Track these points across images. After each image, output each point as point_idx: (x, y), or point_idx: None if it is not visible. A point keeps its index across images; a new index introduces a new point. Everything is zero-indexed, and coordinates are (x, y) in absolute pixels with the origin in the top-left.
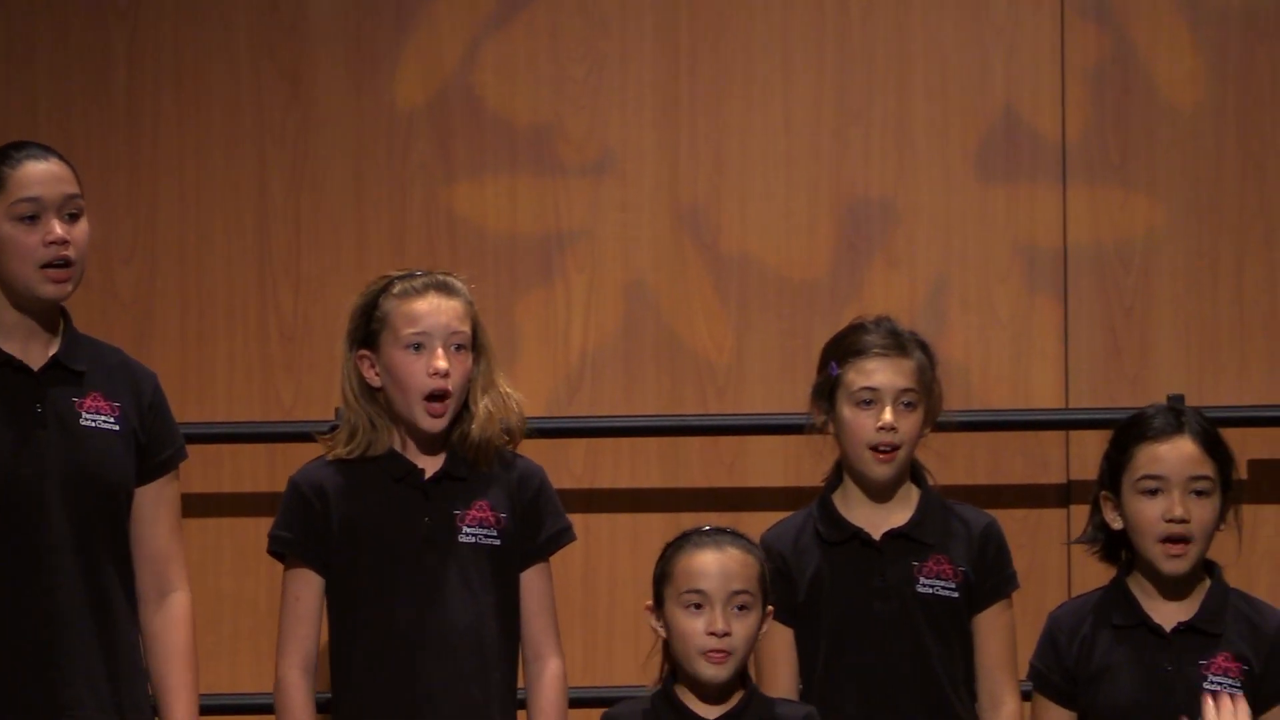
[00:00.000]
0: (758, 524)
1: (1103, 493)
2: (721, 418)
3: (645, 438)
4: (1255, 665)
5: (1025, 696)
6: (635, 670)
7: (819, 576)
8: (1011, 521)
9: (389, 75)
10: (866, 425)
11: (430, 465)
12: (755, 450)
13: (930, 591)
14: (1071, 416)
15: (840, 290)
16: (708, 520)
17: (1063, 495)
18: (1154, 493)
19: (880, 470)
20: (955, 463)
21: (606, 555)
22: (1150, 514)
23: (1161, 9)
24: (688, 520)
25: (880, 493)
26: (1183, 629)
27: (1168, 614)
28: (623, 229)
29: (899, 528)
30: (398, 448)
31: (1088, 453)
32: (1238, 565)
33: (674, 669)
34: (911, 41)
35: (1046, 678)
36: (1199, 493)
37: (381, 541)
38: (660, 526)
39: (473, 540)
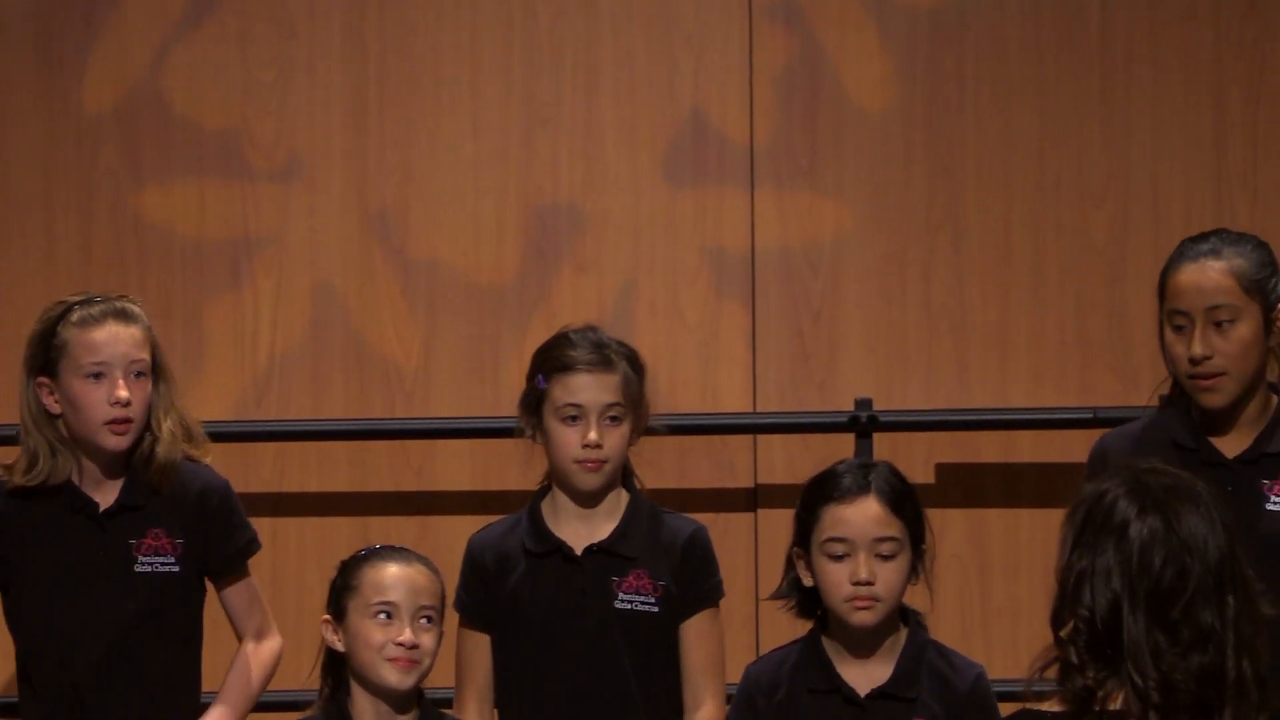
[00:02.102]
0: (446, 528)
1: (795, 550)
2: (409, 422)
3: (333, 442)
4: None
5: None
6: None
7: (519, 587)
8: None
9: (77, 79)
10: (572, 440)
11: (107, 495)
12: (443, 454)
13: (629, 607)
14: (759, 420)
15: (528, 295)
16: (395, 524)
17: (750, 499)
18: (840, 557)
19: (586, 483)
20: (643, 467)
21: (294, 559)
22: (837, 576)
23: (850, 13)
24: (376, 524)
25: (587, 502)
26: (876, 695)
27: (862, 678)
28: (311, 234)
29: (600, 542)
30: (75, 479)
31: (775, 457)
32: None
33: (340, 681)
34: (600, 46)
35: None
36: (884, 556)
37: (55, 573)
38: (349, 530)
39: (149, 569)
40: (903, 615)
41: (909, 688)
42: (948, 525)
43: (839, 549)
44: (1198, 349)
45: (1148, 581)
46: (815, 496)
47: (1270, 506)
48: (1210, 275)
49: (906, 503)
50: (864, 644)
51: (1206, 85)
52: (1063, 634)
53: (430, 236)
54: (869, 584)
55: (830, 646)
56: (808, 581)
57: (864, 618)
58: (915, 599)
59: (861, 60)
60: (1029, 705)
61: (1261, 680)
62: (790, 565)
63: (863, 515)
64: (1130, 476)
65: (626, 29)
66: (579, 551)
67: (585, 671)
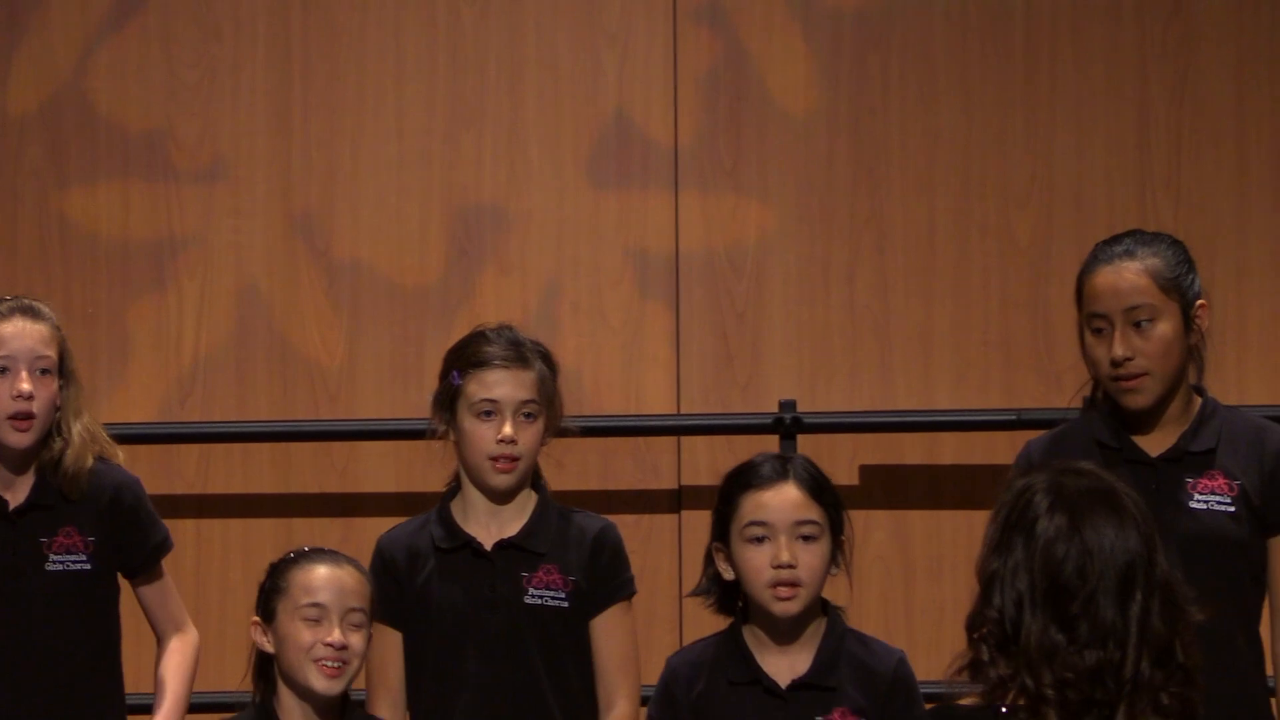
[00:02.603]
0: (370, 529)
1: (715, 544)
2: (333, 423)
3: (257, 443)
4: (872, 714)
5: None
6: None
7: (429, 584)
8: (624, 527)
9: (1, 80)
10: (487, 437)
11: (17, 493)
12: (367, 455)
13: (539, 602)
14: (683, 422)
15: (452, 296)
16: (319, 525)
17: (674, 501)
18: (761, 540)
19: (500, 481)
20: (568, 468)
21: (218, 560)
22: (758, 561)
23: (774, 15)
24: (300, 525)
25: (498, 500)
26: (798, 685)
27: (783, 668)
28: (235, 235)
29: (510, 537)
30: None
31: (699, 458)
32: (852, 569)
33: (269, 683)
34: (524, 46)
35: None
36: (806, 538)
37: None
38: (273, 531)
39: (61, 568)
40: (822, 607)
41: (829, 677)
42: (871, 527)
43: (759, 532)
44: (1119, 350)
45: (1047, 580)
46: (734, 486)
47: (1194, 504)
48: (1126, 276)
49: (825, 491)
50: (785, 633)
51: (1130, 87)
52: (976, 635)
53: (354, 238)
54: (791, 567)
55: (751, 638)
56: (728, 575)
57: (786, 607)
58: (838, 592)
59: (786, 62)
60: (948, 702)
61: (1170, 679)
62: (710, 560)
63: (783, 499)
64: (1050, 476)
65: (551, 30)
66: (489, 547)
67: (496, 667)
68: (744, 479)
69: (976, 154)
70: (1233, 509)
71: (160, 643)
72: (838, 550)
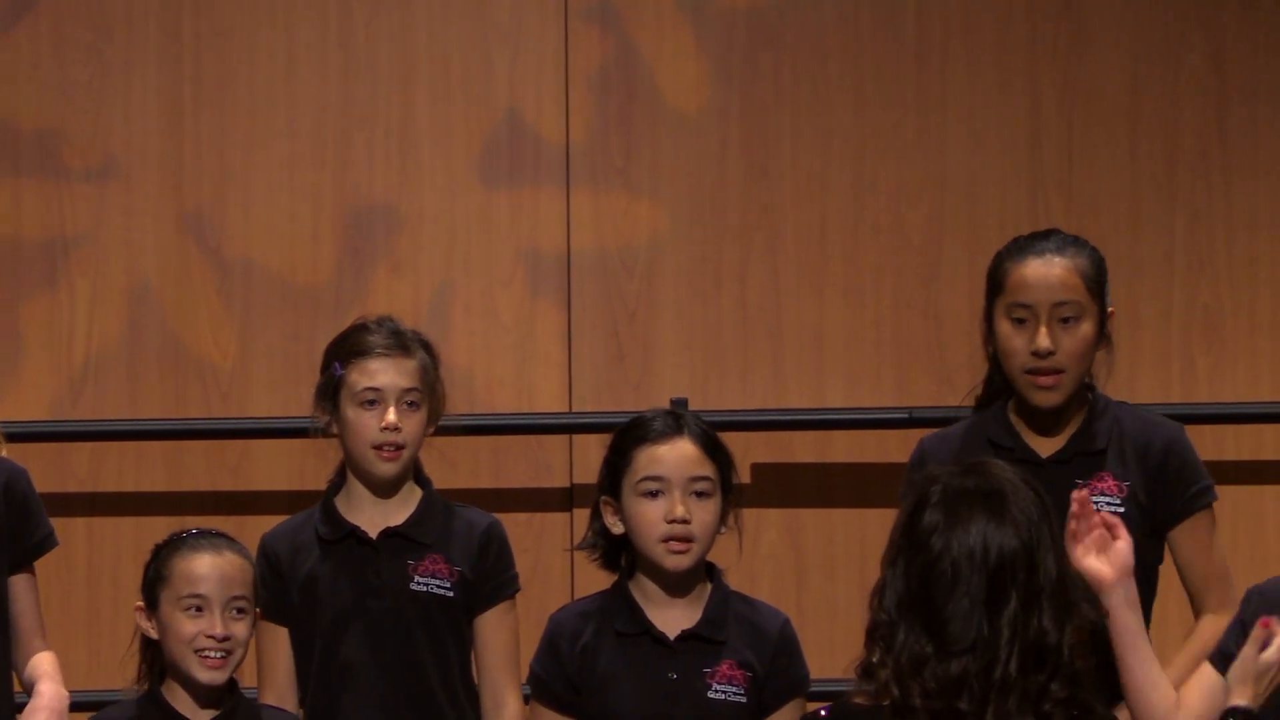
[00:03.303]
0: (262, 527)
1: (603, 498)
2: (225, 422)
3: (149, 441)
4: (759, 669)
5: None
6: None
7: (314, 574)
8: (515, 526)
9: None
10: (370, 425)
11: None
12: (259, 454)
13: (424, 589)
14: (575, 421)
15: (344, 296)
16: (212, 523)
17: (566, 499)
18: (655, 494)
19: (384, 469)
20: (459, 467)
21: (110, 558)
22: (651, 515)
23: (665, 13)
24: (193, 523)
25: (383, 491)
26: (686, 637)
27: (671, 621)
28: (127, 234)
29: (396, 527)
30: None
31: (591, 457)
32: (740, 568)
33: (162, 670)
34: (415, 45)
35: (547, 684)
36: (699, 494)
37: None
38: (165, 529)
39: None
40: (706, 571)
41: (718, 631)
42: (763, 525)
43: (654, 486)
44: (1045, 343)
45: (920, 582)
46: (627, 440)
47: None
48: (1058, 271)
49: (719, 449)
50: (674, 587)
51: (1022, 86)
52: (869, 636)
53: (246, 237)
54: (685, 522)
55: (638, 592)
56: (616, 530)
57: (678, 561)
58: (726, 556)
59: (677, 61)
60: (845, 698)
61: (1053, 681)
62: (597, 514)
63: (678, 454)
64: (946, 475)
65: (442, 29)
66: (374, 535)
67: (380, 653)
68: (638, 433)
69: (868, 152)
70: (1123, 510)
71: (20, 647)
72: (728, 508)
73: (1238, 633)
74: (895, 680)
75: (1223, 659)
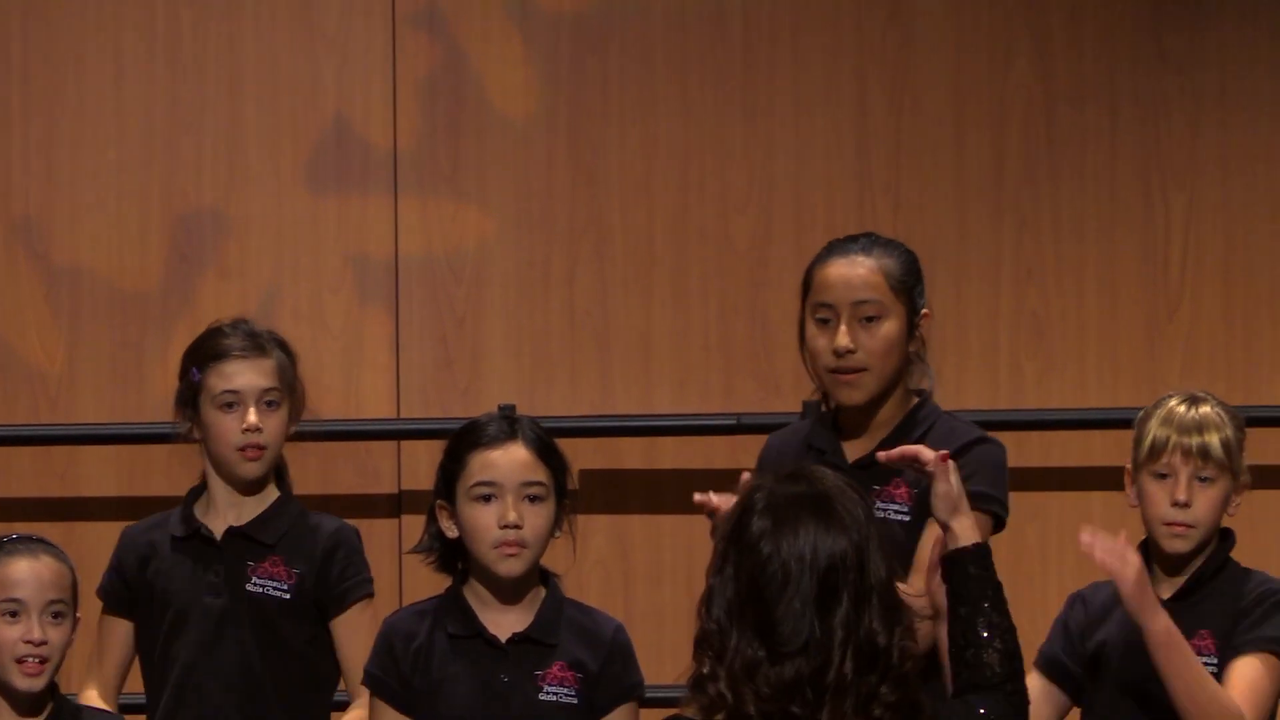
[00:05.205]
0: (91, 533)
1: (438, 502)
2: (53, 428)
3: None
4: (591, 669)
5: None
6: None
7: (159, 570)
8: None
9: None
10: (231, 428)
11: None
12: (88, 460)
13: (260, 591)
14: (403, 427)
15: (172, 301)
16: (40, 529)
17: (394, 505)
18: (488, 499)
19: (249, 470)
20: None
21: None
22: (485, 520)
23: (493, 20)
24: (20, 530)
25: (247, 491)
26: (518, 640)
27: (504, 624)
28: None
29: (240, 526)
30: None
31: (419, 463)
32: (568, 575)
33: None
34: (243, 50)
35: (384, 683)
36: (532, 498)
37: None
38: None
39: None
40: (541, 577)
41: (550, 634)
42: (591, 532)
43: (487, 491)
44: (843, 341)
45: (749, 587)
46: (461, 444)
47: (876, 513)
48: (859, 271)
49: (553, 453)
50: (507, 592)
51: (849, 92)
52: (698, 648)
53: (74, 242)
54: (517, 527)
55: (472, 596)
56: (451, 534)
57: (511, 566)
58: (560, 560)
59: (505, 67)
60: (678, 711)
61: (883, 683)
62: (432, 518)
63: (511, 459)
64: (770, 483)
65: (269, 34)
66: (219, 535)
67: (210, 650)
68: (472, 438)
69: (695, 158)
70: (908, 518)
71: None
72: (562, 513)
73: (1060, 633)
74: (729, 687)
75: (1046, 662)
